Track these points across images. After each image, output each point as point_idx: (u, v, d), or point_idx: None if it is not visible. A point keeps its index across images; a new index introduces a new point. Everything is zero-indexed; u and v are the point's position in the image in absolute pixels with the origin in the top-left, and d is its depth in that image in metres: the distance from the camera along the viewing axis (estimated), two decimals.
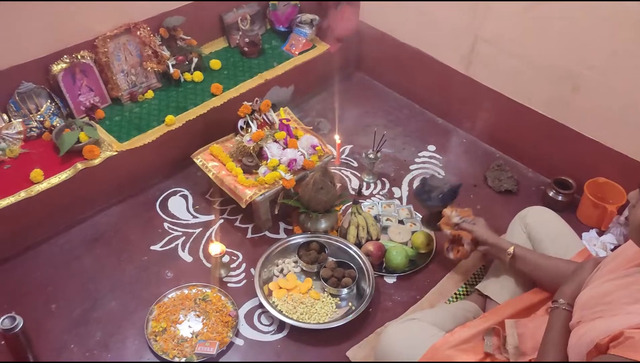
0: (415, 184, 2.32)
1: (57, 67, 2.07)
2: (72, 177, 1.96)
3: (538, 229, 1.66)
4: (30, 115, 2.07)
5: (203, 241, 2.05)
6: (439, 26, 2.43)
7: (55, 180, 1.94)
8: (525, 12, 2.09)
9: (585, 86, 2.04)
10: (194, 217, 2.15)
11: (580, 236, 1.96)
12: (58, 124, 2.09)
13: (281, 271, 1.93)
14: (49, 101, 2.10)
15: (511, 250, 1.54)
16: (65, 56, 2.09)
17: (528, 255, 1.53)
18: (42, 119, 2.09)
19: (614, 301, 1.03)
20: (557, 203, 2.13)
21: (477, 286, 1.75)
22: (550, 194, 2.17)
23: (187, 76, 2.42)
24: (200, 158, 2.10)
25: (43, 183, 1.92)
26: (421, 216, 2.08)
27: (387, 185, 2.32)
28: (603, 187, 2.08)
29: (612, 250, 1.88)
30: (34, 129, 2.08)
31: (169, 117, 2.19)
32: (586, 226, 2.10)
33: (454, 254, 1.75)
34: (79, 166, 1.98)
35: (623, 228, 1.96)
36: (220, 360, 1.69)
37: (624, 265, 1.12)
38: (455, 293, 1.89)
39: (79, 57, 2.12)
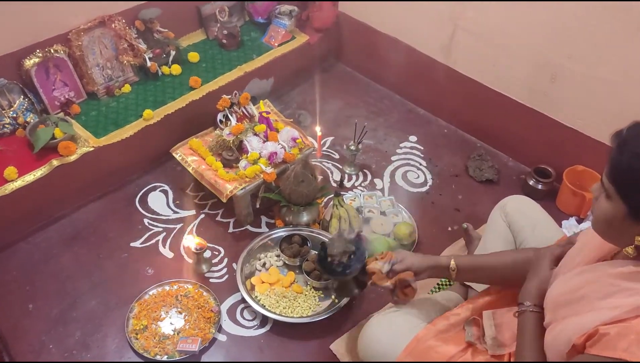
0: (398, 175, 2.32)
1: (30, 62, 2.03)
2: (47, 174, 1.92)
3: (518, 218, 1.67)
4: (3, 111, 2.02)
5: (184, 237, 2.03)
6: (418, 16, 2.42)
7: (30, 178, 1.90)
8: (505, 2, 2.09)
9: (563, 75, 2.05)
10: (175, 212, 2.13)
11: (560, 224, 1.97)
12: (32, 120, 2.04)
13: (263, 265, 1.92)
14: (22, 96, 2.06)
15: (453, 264, 1.41)
16: (37, 50, 2.05)
17: (473, 262, 1.43)
18: (15, 115, 2.04)
19: (585, 296, 1.02)
20: (537, 192, 2.15)
21: None
22: (530, 183, 2.18)
23: (165, 70, 2.38)
24: (180, 153, 2.07)
25: (17, 181, 1.88)
26: (338, 291, 1.76)
27: (369, 177, 2.31)
28: (582, 175, 2.10)
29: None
30: (7, 126, 2.03)
31: (147, 112, 2.15)
32: (565, 214, 2.12)
33: (401, 299, 1.48)
34: (55, 162, 1.94)
35: None
36: (203, 357, 1.68)
37: (589, 257, 1.12)
38: (437, 284, 1.89)
39: (52, 51, 2.07)
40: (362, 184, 2.28)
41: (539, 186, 2.16)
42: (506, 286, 1.44)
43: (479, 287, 1.64)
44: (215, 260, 1.96)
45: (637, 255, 0.98)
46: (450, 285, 1.87)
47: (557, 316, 1.07)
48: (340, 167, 2.35)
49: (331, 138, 2.49)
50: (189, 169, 2.03)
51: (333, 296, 1.82)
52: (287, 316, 1.74)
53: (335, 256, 1.52)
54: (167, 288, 1.84)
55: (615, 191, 0.95)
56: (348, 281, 1.58)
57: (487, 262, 1.42)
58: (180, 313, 1.77)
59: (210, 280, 1.89)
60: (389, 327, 1.44)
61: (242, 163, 1.99)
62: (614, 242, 1.04)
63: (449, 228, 2.10)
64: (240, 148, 2.06)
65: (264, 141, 2.05)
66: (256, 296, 1.81)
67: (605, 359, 0.92)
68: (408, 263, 1.43)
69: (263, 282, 1.85)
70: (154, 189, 2.21)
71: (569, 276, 1.12)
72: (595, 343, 0.94)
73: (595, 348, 0.94)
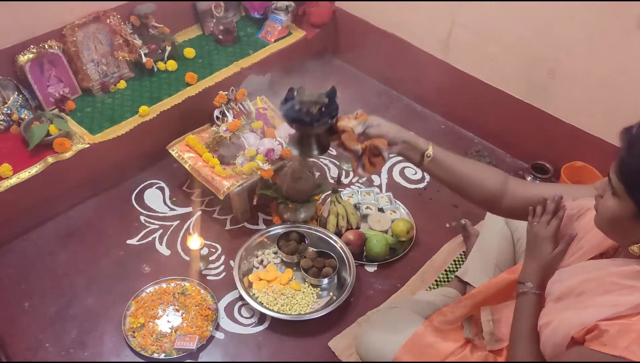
0: (395, 171, 2.31)
1: (24, 58, 2.00)
2: (42, 171, 1.90)
3: None
4: None
5: (181, 234, 2.02)
6: (416, 12, 2.41)
7: (25, 175, 1.88)
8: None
9: (561, 71, 2.04)
10: (171, 209, 2.11)
11: None
12: (26, 117, 2.02)
13: (261, 262, 1.91)
14: (16, 93, 2.03)
15: (430, 151, 1.27)
16: (32, 46, 2.02)
17: (448, 159, 1.29)
18: (9, 111, 2.02)
19: (585, 292, 1.02)
20: None
21: (456, 273, 1.75)
22: (528, 178, 2.18)
23: (161, 65, 2.36)
24: (176, 149, 2.06)
25: (12, 178, 1.86)
26: (298, 146, 1.38)
27: None
28: (580, 171, 2.10)
29: None
30: (1, 123, 2.01)
31: (143, 108, 2.13)
32: None
33: (367, 169, 1.31)
34: (50, 159, 1.92)
35: None
36: (201, 355, 1.67)
37: (592, 250, 1.11)
38: (435, 280, 1.89)
39: (47, 47, 2.05)
40: (360, 181, 2.27)
41: (537, 182, 2.16)
42: (513, 272, 1.38)
43: (477, 284, 1.64)
44: (213, 258, 1.95)
45: None
46: (448, 281, 1.87)
47: (556, 308, 1.07)
48: (338, 163, 2.34)
49: None
50: (186, 166, 2.02)
51: (331, 293, 1.82)
52: (285, 314, 1.73)
53: (305, 103, 1.28)
54: (164, 285, 1.83)
55: (625, 190, 0.93)
56: (310, 137, 1.33)
57: (462, 167, 1.29)
58: (178, 310, 1.76)
59: (208, 278, 1.88)
60: (387, 324, 1.44)
61: (239, 160, 1.98)
62: (618, 240, 1.03)
63: (447, 225, 2.09)
64: (238, 145, 2.04)
65: (261, 138, 2.04)
66: (254, 294, 1.80)
67: (605, 356, 0.92)
68: (384, 130, 1.27)
69: (261, 279, 1.85)
70: (150, 186, 2.20)
71: (571, 270, 1.11)
72: (595, 338, 0.94)
73: (595, 343, 0.94)
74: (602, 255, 1.09)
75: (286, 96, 1.32)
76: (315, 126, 1.27)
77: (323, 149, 1.35)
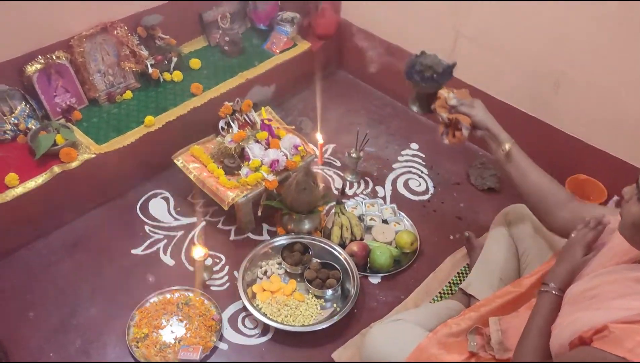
0: (400, 183, 2.31)
1: (32, 68, 2.02)
2: (48, 181, 1.91)
3: (520, 226, 1.67)
4: (4, 117, 2.01)
5: (185, 244, 2.02)
6: (421, 24, 2.43)
7: (31, 184, 1.89)
8: (507, 10, 2.09)
9: (566, 84, 2.05)
10: (176, 220, 2.12)
11: None
12: (33, 127, 2.03)
13: (265, 273, 1.91)
14: (24, 102, 2.05)
15: (507, 146, 1.44)
16: (39, 57, 2.04)
17: (522, 162, 1.45)
18: (16, 121, 2.03)
19: (598, 295, 1.02)
20: None
21: (460, 285, 1.75)
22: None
23: (167, 76, 2.38)
24: (181, 160, 2.07)
25: (18, 188, 1.87)
26: (410, 98, 1.76)
27: (371, 184, 2.31)
28: (584, 184, 2.10)
29: None
30: (8, 132, 2.02)
31: (149, 118, 2.15)
32: None
33: (449, 139, 1.58)
34: (56, 169, 1.93)
35: None
36: None
37: (611, 261, 1.11)
38: (439, 292, 1.89)
39: (54, 57, 2.07)
40: (364, 192, 2.28)
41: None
42: (518, 284, 1.42)
43: (481, 296, 1.63)
44: (217, 268, 1.95)
45: None
46: (452, 293, 1.86)
47: (570, 310, 1.07)
48: (342, 175, 2.34)
49: (333, 146, 2.48)
50: (191, 176, 2.02)
51: (335, 305, 1.82)
52: (288, 325, 1.73)
53: (425, 65, 1.56)
54: (168, 296, 1.83)
55: None
56: (424, 96, 1.65)
57: (531, 172, 1.43)
58: (181, 321, 1.76)
59: (212, 288, 1.88)
60: (390, 336, 1.44)
61: (244, 170, 1.99)
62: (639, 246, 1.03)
63: (451, 237, 2.09)
64: (242, 155, 2.05)
65: (266, 149, 2.05)
66: (257, 305, 1.80)
67: (608, 356, 0.91)
68: (474, 111, 1.48)
69: (264, 290, 1.84)
70: (155, 196, 2.21)
71: (589, 278, 1.11)
72: (601, 338, 0.94)
73: (600, 342, 0.94)
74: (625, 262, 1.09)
75: (415, 58, 1.62)
76: (422, 85, 1.58)
77: (427, 109, 1.66)
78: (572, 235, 1.25)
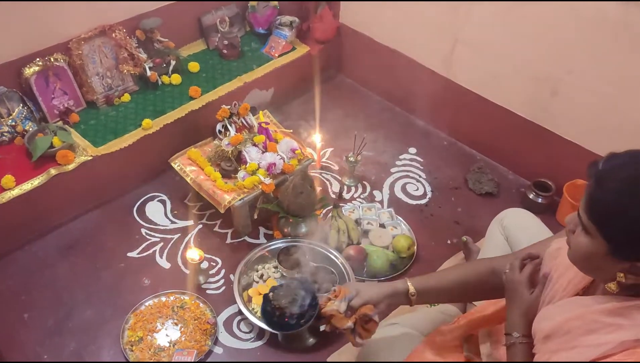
0: (397, 187, 2.31)
1: (30, 70, 2.02)
2: (45, 183, 1.91)
3: (515, 231, 1.66)
4: (2, 119, 2.02)
5: (181, 247, 2.02)
6: (419, 28, 2.43)
7: (27, 186, 1.89)
8: (506, 15, 2.09)
9: (564, 89, 2.05)
10: (172, 222, 2.11)
11: None
12: (30, 129, 2.04)
13: (261, 276, 1.91)
14: (21, 104, 2.05)
15: (412, 288, 1.26)
16: (37, 59, 2.04)
17: (430, 282, 1.29)
18: (14, 123, 2.03)
19: (570, 331, 0.99)
20: (536, 205, 2.14)
21: None
22: (530, 196, 2.17)
23: (165, 79, 2.38)
24: (178, 163, 2.06)
25: (15, 189, 1.87)
26: (284, 341, 1.56)
27: (368, 188, 2.30)
28: (581, 189, 2.05)
29: None
30: (5, 134, 2.02)
31: (146, 121, 2.15)
32: None
33: (364, 335, 1.27)
34: (53, 171, 1.93)
35: None
36: None
37: (573, 289, 1.08)
38: None
39: (52, 60, 2.07)
40: (361, 196, 2.27)
41: (539, 200, 2.15)
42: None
43: (477, 302, 1.63)
44: (213, 271, 1.94)
45: (620, 291, 0.95)
46: None
47: (544, 348, 1.04)
48: (340, 178, 2.34)
49: (330, 149, 2.48)
50: (188, 179, 2.02)
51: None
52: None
53: (284, 308, 1.31)
54: (163, 299, 1.82)
55: (595, 228, 0.89)
56: (302, 332, 1.39)
57: (445, 280, 1.30)
58: (176, 324, 1.75)
59: (207, 292, 1.87)
60: (387, 341, 1.43)
61: (241, 174, 1.99)
62: (594, 276, 1.01)
63: (448, 241, 2.08)
64: (239, 159, 2.05)
65: (263, 152, 2.05)
66: (253, 309, 1.79)
67: None
68: (366, 297, 1.25)
69: (260, 294, 1.83)
70: (152, 199, 2.20)
71: (555, 308, 1.07)
72: None
73: None
74: (584, 290, 1.06)
75: (264, 307, 1.35)
76: (303, 325, 1.30)
77: (316, 335, 1.43)
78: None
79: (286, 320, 1.31)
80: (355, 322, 1.25)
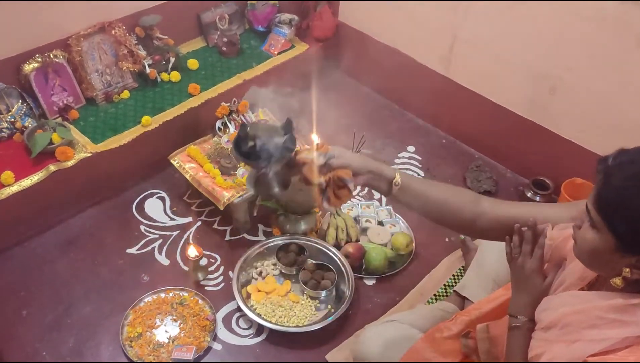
0: None
1: (29, 67, 2.02)
2: (44, 179, 1.91)
3: None
4: (1, 116, 2.02)
5: (180, 244, 2.02)
6: (418, 27, 2.43)
7: (26, 182, 1.89)
8: (505, 14, 2.10)
9: (563, 88, 2.06)
10: (171, 219, 2.12)
11: None
12: (30, 125, 2.04)
13: (260, 273, 1.91)
14: (21, 101, 2.05)
15: (398, 179, 1.20)
16: (37, 55, 2.04)
17: (417, 187, 1.23)
18: (13, 119, 2.03)
19: (570, 324, 0.99)
20: None
21: (454, 288, 1.75)
22: (528, 194, 2.18)
23: (164, 76, 2.38)
24: (178, 160, 2.07)
25: (14, 186, 1.87)
26: (251, 181, 1.30)
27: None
28: (580, 188, 2.10)
29: None
30: (4, 130, 2.03)
31: (146, 118, 2.15)
32: None
33: (332, 202, 1.21)
34: (52, 168, 1.93)
35: None
36: None
37: (576, 283, 1.09)
38: (434, 295, 1.89)
39: (52, 56, 2.07)
40: (360, 194, 2.28)
41: (537, 198, 2.16)
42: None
43: (475, 299, 1.63)
44: (212, 268, 1.95)
45: (625, 286, 0.95)
46: (446, 296, 1.86)
47: (544, 338, 1.05)
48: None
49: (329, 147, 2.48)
50: (187, 176, 2.02)
51: (329, 306, 1.82)
52: (282, 326, 1.73)
53: (259, 140, 1.18)
54: (162, 295, 1.83)
55: (603, 222, 0.90)
56: (269, 175, 1.22)
57: (430, 190, 1.23)
58: (175, 321, 1.76)
59: (206, 288, 1.88)
60: (385, 337, 1.44)
61: (240, 171, 1.99)
62: (599, 272, 1.01)
63: (446, 239, 2.09)
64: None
65: None
66: (252, 305, 1.80)
67: None
68: (347, 160, 1.18)
69: (259, 291, 1.84)
70: (151, 195, 2.21)
71: (558, 299, 1.07)
72: None
73: None
74: (590, 285, 1.06)
75: (238, 133, 1.22)
76: (272, 163, 1.18)
77: (284, 186, 1.25)
78: (515, 255, 1.16)
79: (257, 151, 1.18)
80: (328, 182, 1.18)
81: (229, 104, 2.13)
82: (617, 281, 0.96)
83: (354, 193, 1.12)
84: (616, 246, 0.90)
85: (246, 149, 1.18)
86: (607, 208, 0.90)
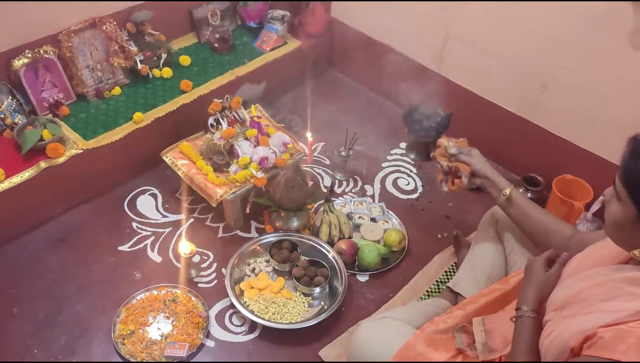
0: (388, 182, 2.32)
1: (19, 63, 2.00)
2: (35, 176, 1.89)
3: (507, 225, 1.68)
4: None
5: (173, 241, 2.01)
6: (410, 23, 2.43)
7: (17, 179, 1.87)
8: (497, 11, 2.11)
9: (554, 85, 2.07)
10: (164, 216, 2.11)
11: None
12: (20, 122, 2.02)
13: (253, 270, 1.91)
14: (10, 97, 2.03)
15: (508, 191, 1.50)
16: (27, 51, 2.02)
17: (522, 203, 1.50)
18: (2, 116, 2.01)
19: (587, 298, 1.03)
20: None
21: (447, 284, 1.76)
22: (520, 191, 2.19)
23: (156, 72, 2.37)
24: (170, 156, 2.06)
25: (4, 183, 1.85)
26: (408, 146, 1.90)
27: (359, 183, 2.31)
28: (570, 184, 2.11)
29: None
30: None
31: (137, 115, 2.13)
32: None
33: (448, 186, 1.66)
34: (42, 164, 1.91)
35: (590, 224, 2.00)
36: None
37: (596, 265, 1.12)
38: (427, 291, 1.89)
39: (42, 52, 2.05)
40: (353, 191, 2.28)
41: (529, 195, 2.17)
42: (505, 282, 1.45)
43: (468, 295, 1.64)
44: (204, 265, 1.94)
45: None
46: (439, 292, 1.87)
47: (559, 315, 1.07)
48: (331, 173, 2.35)
49: (322, 144, 2.48)
50: (179, 173, 2.01)
51: (323, 303, 1.82)
52: (276, 323, 1.73)
53: (424, 115, 1.76)
54: (155, 292, 1.82)
55: (627, 193, 0.98)
56: (422, 144, 1.88)
57: (535, 215, 1.47)
58: (168, 318, 1.75)
59: (199, 285, 1.87)
60: (378, 334, 1.44)
61: (233, 168, 1.98)
62: (623, 245, 1.05)
63: (439, 235, 2.10)
64: (231, 152, 2.05)
65: (255, 146, 2.05)
66: (245, 302, 1.79)
67: (601, 359, 0.92)
68: (473, 160, 1.57)
69: (252, 288, 1.84)
70: (143, 192, 2.20)
71: (575, 279, 1.12)
72: (592, 345, 0.95)
73: (592, 349, 0.94)
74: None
75: (410, 109, 1.84)
76: (423, 134, 1.81)
77: (427, 156, 1.92)
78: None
79: (419, 121, 1.95)
80: (450, 168, 1.60)
81: (221, 100, 2.12)
82: (636, 252, 1.01)
83: (464, 184, 1.61)
84: (637, 217, 0.97)
85: (417, 124, 1.89)
86: (632, 180, 0.97)
